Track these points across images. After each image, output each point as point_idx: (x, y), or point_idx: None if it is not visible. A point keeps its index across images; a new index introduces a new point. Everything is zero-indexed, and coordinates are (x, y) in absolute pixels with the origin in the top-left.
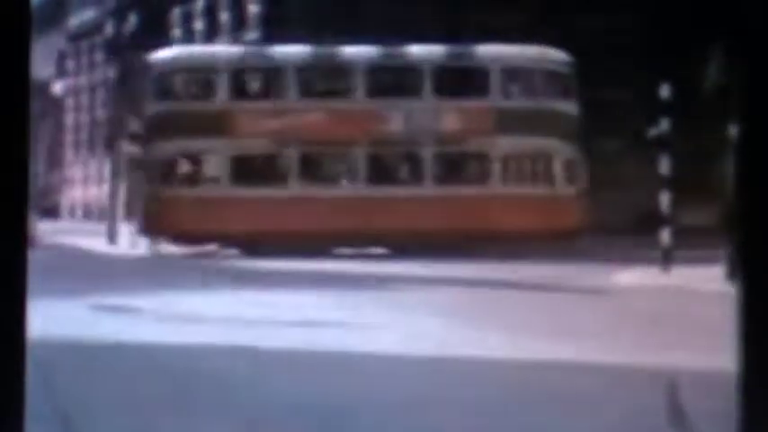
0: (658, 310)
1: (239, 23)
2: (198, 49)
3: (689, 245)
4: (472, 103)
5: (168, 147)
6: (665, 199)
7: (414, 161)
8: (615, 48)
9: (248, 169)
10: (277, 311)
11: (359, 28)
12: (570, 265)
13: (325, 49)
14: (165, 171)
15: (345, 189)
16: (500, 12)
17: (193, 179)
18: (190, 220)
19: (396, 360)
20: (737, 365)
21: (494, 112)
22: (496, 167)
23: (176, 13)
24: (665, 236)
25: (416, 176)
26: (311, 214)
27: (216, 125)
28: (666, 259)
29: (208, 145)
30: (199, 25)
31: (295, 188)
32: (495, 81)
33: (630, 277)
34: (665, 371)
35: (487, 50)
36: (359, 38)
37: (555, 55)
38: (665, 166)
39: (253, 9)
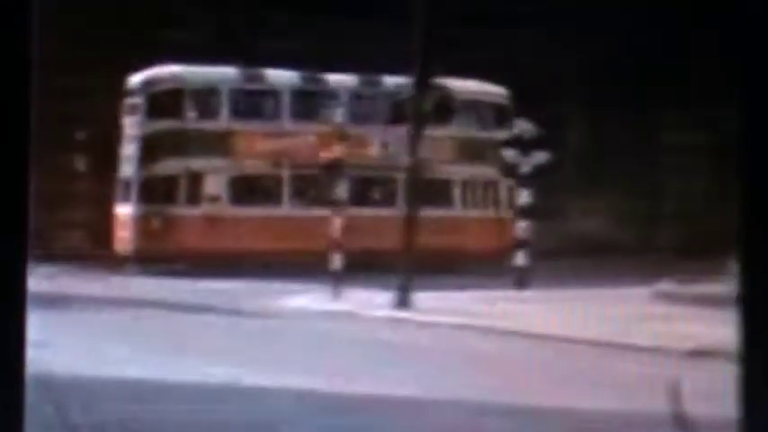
0: (304, 332)
1: None
2: (195, 69)
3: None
4: (439, 132)
5: (170, 165)
6: (336, 224)
7: (388, 185)
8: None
9: (246, 189)
10: None
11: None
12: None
13: (311, 75)
14: (168, 189)
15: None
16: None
17: (195, 198)
18: (193, 238)
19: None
20: (740, 370)
21: (456, 142)
22: (457, 192)
23: None
24: (337, 261)
25: (391, 199)
26: (301, 233)
27: (217, 145)
28: (337, 283)
29: (209, 164)
30: None
31: (287, 208)
32: (457, 113)
33: (301, 301)
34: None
35: (452, 84)
36: None
37: (499, 89)
38: (341, 190)
39: None
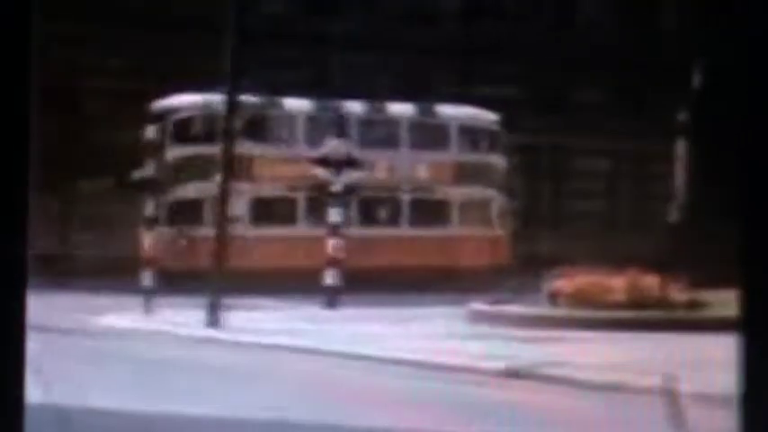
0: (109, 351)
1: None
2: (218, 97)
3: (178, 287)
4: (438, 156)
5: (193, 189)
6: (146, 240)
7: (394, 206)
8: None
9: (265, 211)
10: None
11: None
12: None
13: (326, 103)
14: (192, 212)
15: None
16: None
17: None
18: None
19: None
20: (739, 379)
21: (453, 165)
22: (455, 212)
23: None
24: (148, 278)
25: (395, 219)
26: (316, 252)
27: (237, 169)
28: (149, 301)
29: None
30: None
31: (303, 228)
32: (453, 137)
33: (114, 319)
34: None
35: (447, 110)
36: None
37: (489, 115)
38: (150, 207)
39: None
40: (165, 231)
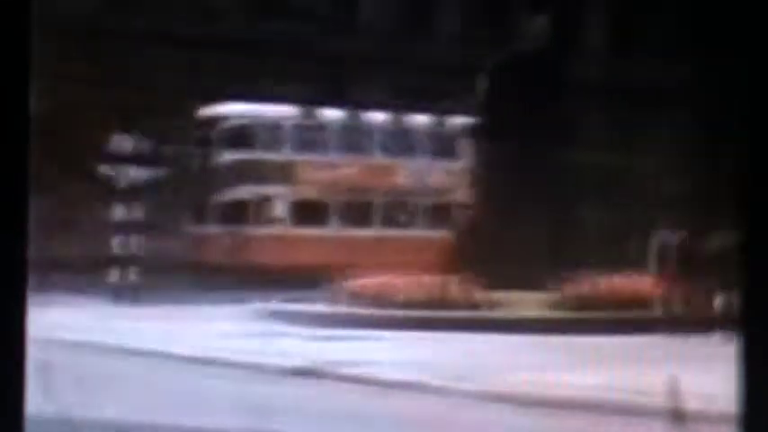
0: None
1: None
2: (262, 107)
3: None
4: (453, 163)
5: (242, 191)
6: None
7: (413, 209)
8: None
9: (303, 212)
10: None
11: None
12: None
13: (354, 113)
14: (241, 212)
15: (365, 230)
16: None
17: (264, 220)
18: (261, 255)
19: None
20: (740, 385)
21: (466, 171)
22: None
23: None
24: None
25: (413, 221)
26: (344, 251)
27: (281, 174)
28: None
29: (274, 190)
30: None
31: (334, 229)
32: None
33: None
34: None
35: (458, 120)
36: None
37: None
38: None
39: None
40: (215, 230)
